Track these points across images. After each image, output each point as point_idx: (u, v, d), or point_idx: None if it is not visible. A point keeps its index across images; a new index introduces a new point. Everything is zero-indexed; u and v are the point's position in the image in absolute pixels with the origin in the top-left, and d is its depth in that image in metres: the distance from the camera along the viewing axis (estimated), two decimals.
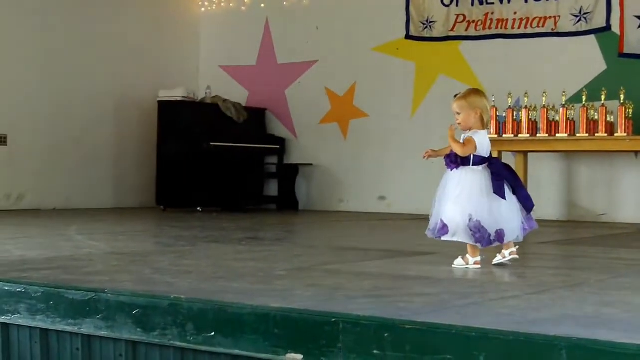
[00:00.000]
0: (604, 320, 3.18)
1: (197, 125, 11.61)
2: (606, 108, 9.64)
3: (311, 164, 12.37)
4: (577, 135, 9.77)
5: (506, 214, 4.87)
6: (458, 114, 4.98)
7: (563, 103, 9.87)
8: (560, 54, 10.62)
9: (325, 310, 3.27)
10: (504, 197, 4.84)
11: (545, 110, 9.90)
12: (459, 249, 5.03)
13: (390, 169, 11.76)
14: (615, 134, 9.61)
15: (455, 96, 5.05)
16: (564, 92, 9.94)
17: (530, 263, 5.43)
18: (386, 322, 3.07)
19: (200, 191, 11.49)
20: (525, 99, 10.00)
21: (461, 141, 4.91)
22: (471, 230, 4.82)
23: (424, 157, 5.10)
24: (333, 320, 3.15)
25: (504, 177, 4.90)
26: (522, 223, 4.93)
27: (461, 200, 4.85)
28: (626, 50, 10.28)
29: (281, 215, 11.09)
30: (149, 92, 12.14)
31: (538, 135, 9.91)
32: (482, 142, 4.92)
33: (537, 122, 9.94)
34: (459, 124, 4.98)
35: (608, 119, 9.65)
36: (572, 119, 9.84)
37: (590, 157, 10.54)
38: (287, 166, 12.48)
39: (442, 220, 4.87)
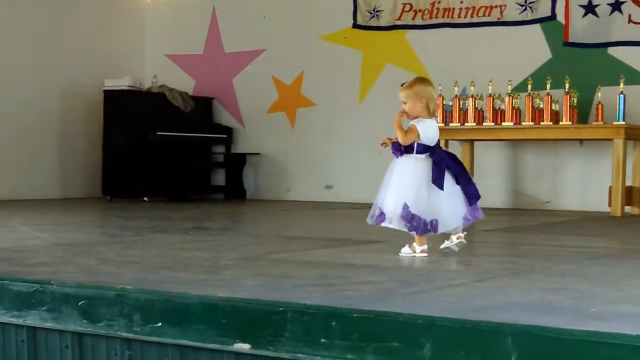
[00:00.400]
0: (549, 307, 3.21)
1: (143, 115, 11.54)
2: (551, 97, 9.73)
3: (258, 153, 12.35)
4: (523, 123, 9.85)
5: (445, 204, 4.88)
6: (404, 103, 4.99)
7: (509, 92, 9.95)
8: (506, 43, 10.70)
9: (273, 299, 3.26)
10: (441, 188, 4.84)
11: (491, 99, 9.98)
12: (406, 237, 5.05)
13: (338, 158, 11.78)
14: (560, 123, 9.70)
15: (402, 85, 5.07)
16: (509, 81, 10.01)
17: (476, 251, 5.47)
18: (333, 310, 3.08)
19: (146, 181, 11.42)
20: (472, 88, 10.07)
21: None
22: (403, 218, 4.84)
23: (382, 145, 5.10)
24: (280, 309, 3.15)
25: (448, 167, 4.91)
26: (466, 213, 4.96)
27: (399, 188, 4.88)
28: (571, 40, 10.39)
29: (228, 205, 11.06)
30: (95, 82, 12.03)
31: (484, 124, 9.99)
32: (427, 131, 4.93)
33: (483, 111, 10.02)
34: (406, 113, 4.99)
35: (553, 107, 9.75)
36: (518, 107, 9.92)
37: (536, 146, 10.64)
38: (235, 155, 12.44)
39: (379, 207, 4.91)
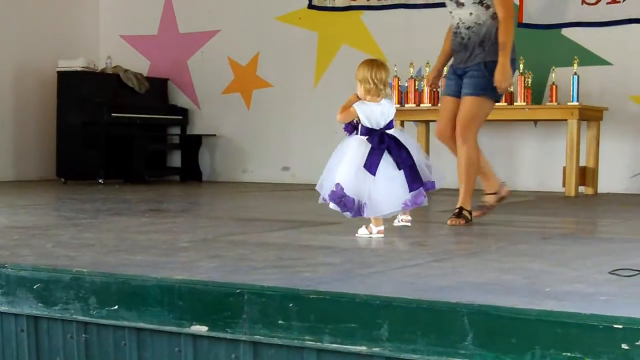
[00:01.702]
0: (504, 287, 3.24)
1: (97, 96, 11.45)
2: None
3: (214, 135, 12.31)
4: None
5: (381, 189, 4.89)
6: None
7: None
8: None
9: (230, 281, 3.27)
10: (372, 173, 4.85)
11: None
12: (363, 219, 5.06)
13: (294, 139, 11.77)
14: (515, 103, 9.77)
15: None
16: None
17: (432, 231, 5.51)
18: (291, 292, 3.09)
19: (101, 163, 11.34)
20: (427, 69, 10.09)
21: None
22: (334, 200, 4.87)
23: None
24: (237, 291, 3.15)
25: (390, 152, 4.92)
26: (406, 199, 4.97)
27: (338, 168, 4.92)
28: (525, 20, 10.44)
29: (184, 187, 11.03)
30: (48, 63, 11.90)
31: (439, 104, 10.00)
32: (368, 114, 4.95)
33: (438, 92, 10.04)
34: (356, 94, 5.06)
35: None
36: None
37: (490, 126, 10.68)
38: (190, 137, 12.39)
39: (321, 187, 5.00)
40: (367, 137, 4.93)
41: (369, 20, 11.28)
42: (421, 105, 10.11)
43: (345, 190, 4.84)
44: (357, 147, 4.93)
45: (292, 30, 11.77)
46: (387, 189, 4.90)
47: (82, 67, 11.65)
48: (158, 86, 12.46)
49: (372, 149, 4.89)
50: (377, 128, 4.95)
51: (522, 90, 9.67)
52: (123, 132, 11.60)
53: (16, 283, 3.59)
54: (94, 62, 12.08)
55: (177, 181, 12.29)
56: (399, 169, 4.94)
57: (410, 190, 4.96)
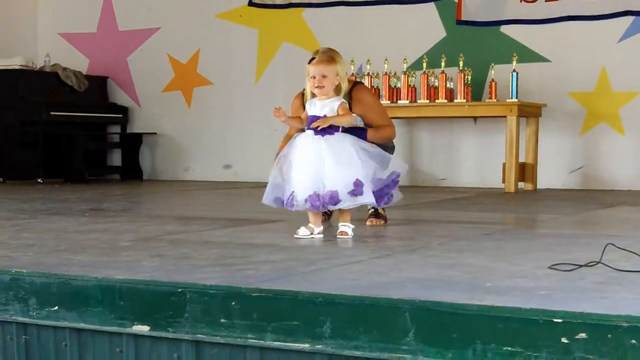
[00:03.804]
0: (445, 282, 3.27)
1: (36, 95, 11.32)
2: (446, 75, 9.85)
3: (155, 133, 12.23)
4: (418, 101, 9.95)
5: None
6: (324, 77, 4.94)
7: (404, 70, 10.04)
8: (401, 21, 10.78)
9: (172, 280, 3.25)
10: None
11: (387, 77, 10.05)
12: (302, 215, 5.06)
13: (235, 137, 11.74)
14: (455, 100, 9.84)
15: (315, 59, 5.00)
16: (405, 59, 10.10)
17: (374, 228, 5.52)
18: (233, 290, 3.08)
19: (40, 162, 11.21)
20: (368, 66, 10.13)
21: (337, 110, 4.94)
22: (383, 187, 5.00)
23: (278, 116, 5.00)
24: (179, 290, 3.14)
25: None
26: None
27: (359, 162, 4.86)
28: (464, 18, 10.52)
29: (125, 186, 10.95)
30: None
31: (380, 101, 10.05)
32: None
33: (379, 89, 10.09)
34: (322, 87, 4.94)
35: (448, 85, 9.87)
36: (414, 85, 10.02)
37: (431, 123, 10.77)
38: (131, 135, 12.31)
39: (357, 181, 4.81)
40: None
41: (310, 17, 11.29)
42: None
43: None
44: (347, 141, 4.93)
45: (232, 28, 11.74)
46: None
47: (20, 65, 11.52)
48: (97, 84, 12.36)
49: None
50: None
51: (462, 88, 9.74)
52: (62, 131, 11.48)
53: None
54: (32, 60, 11.95)
55: (117, 180, 12.20)
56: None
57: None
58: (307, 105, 5.03)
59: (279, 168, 4.90)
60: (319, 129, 4.84)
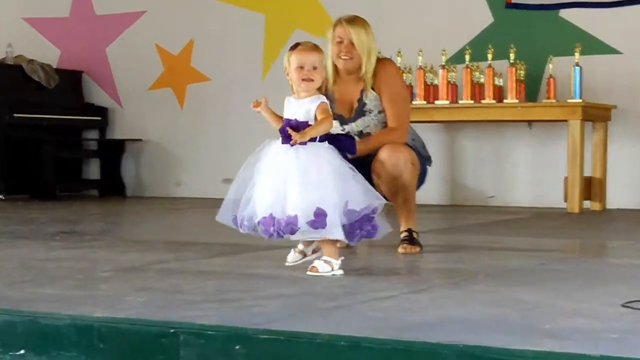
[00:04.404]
0: (494, 323, 3.26)
1: None
2: (494, 69, 9.84)
3: (140, 140, 12.27)
4: (460, 102, 9.95)
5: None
6: (315, 69, 4.80)
7: (443, 63, 10.03)
8: (438, 5, 10.78)
9: (161, 319, 3.26)
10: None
11: (422, 72, 10.04)
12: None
13: (237, 145, 11.73)
14: (505, 100, 9.82)
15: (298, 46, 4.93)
16: (443, 50, 10.10)
17: (407, 257, 5.52)
18: (236, 331, 3.09)
19: (2, 174, 11.26)
20: (399, 58, 10.13)
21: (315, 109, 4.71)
22: (355, 221, 4.61)
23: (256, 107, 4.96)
24: (171, 331, 3.14)
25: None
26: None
27: (331, 184, 4.59)
28: (515, 0, 10.51)
29: (104, 203, 10.98)
30: None
31: (414, 102, 10.05)
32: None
33: (412, 87, 10.08)
34: (311, 80, 4.78)
35: (496, 82, 9.85)
36: (454, 82, 10.01)
37: (476, 129, 10.75)
38: (111, 142, 12.34)
39: (319, 209, 4.52)
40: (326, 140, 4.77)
41: (327, 1, 11.30)
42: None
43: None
44: (326, 154, 4.78)
45: (234, 12, 11.76)
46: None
47: None
48: (70, 80, 12.40)
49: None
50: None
51: (514, 85, 9.73)
52: (28, 136, 11.52)
53: None
54: None
55: (95, 196, 12.23)
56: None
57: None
58: (285, 104, 4.89)
59: (243, 178, 4.81)
60: (292, 144, 4.63)
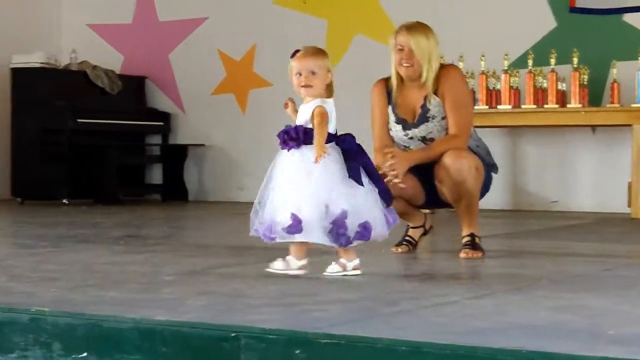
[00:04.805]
0: (558, 329, 3.23)
1: (60, 98, 11.46)
2: (557, 74, 9.78)
3: (203, 145, 12.32)
4: (523, 106, 9.89)
5: (367, 203, 4.66)
6: (313, 73, 4.83)
7: (505, 68, 9.99)
8: (500, 8, 10.73)
9: (223, 322, 3.26)
10: (361, 183, 4.63)
11: (485, 77, 10.01)
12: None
13: None
14: (568, 105, 9.76)
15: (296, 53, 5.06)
16: (506, 55, 10.05)
17: (469, 262, 5.49)
18: (297, 335, 3.08)
19: (65, 179, 11.34)
20: (461, 63, 10.08)
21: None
22: (333, 225, 4.56)
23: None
24: (232, 334, 3.14)
25: (356, 158, 4.72)
26: (385, 215, 4.72)
27: (312, 188, 4.60)
28: (578, 4, 10.44)
29: (167, 208, 11.03)
30: (0, 58, 11.91)
31: (476, 107, 10.01)
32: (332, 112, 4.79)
33: (474, 92, 10.04)
34: (309, 86, 4.80)
35: (559, 87, 9.80)
36: (517, 87, 9.96)
37: (539, 134, 10.69)
38: (174, 147, 12.40)
39: (293, 215, 4.55)
40: (331, 142, 4.73)
41: (388, 5, 11.28)
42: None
43: (344, 212, 4.66)
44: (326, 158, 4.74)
45: (295, 18, 11.78)
46: (372, 201, 4.70)
47: (41, 62, 11.67)
48: (133, 86, 12.48)
49: (346, 153, 4.73)
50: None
51: (577, 90, 9.66)
52: (91, 142, 11.61)
53: None
54: (55, 56, 12.10)
55: (157, 201, 12.29)
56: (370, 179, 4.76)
57: (387, 206, 4.73)
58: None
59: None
60: (316, 161, 4.60)
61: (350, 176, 4.62)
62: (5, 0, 12.37)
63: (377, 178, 4.75)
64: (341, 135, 4.74)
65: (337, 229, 4.55)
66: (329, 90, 4.84)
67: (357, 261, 4.70)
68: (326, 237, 4.56)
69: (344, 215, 4.55)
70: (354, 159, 4.68)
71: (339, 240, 4.58)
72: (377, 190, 4.69)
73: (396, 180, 5.34)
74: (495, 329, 3.21)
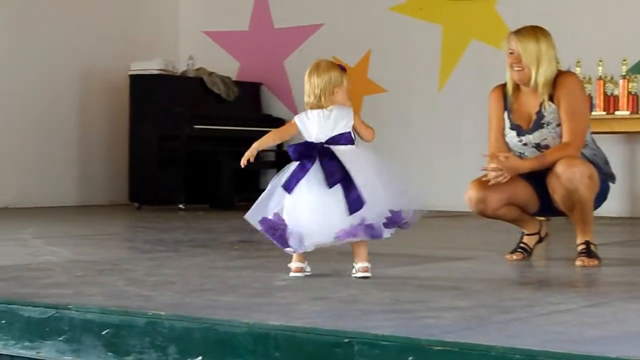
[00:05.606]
0: None
1: (177, 104, 11.59)
2: None
3: None
4: None
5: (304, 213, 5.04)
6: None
7: (623, 73, 9.86)
8: (619, 14, 10.59)
9: (337, 328, 3.27)
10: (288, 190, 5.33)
11: (602, 82, 9.89)
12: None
13: (415, 156, 11.72)
14: None
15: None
16: (624, 59, 9.92)
17: (586, 270, 5.42)
18: (411, 342, 3.07)
19: (182, 185, 11.46)
20: (577, 69, 9.98)
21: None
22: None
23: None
24: (346, 340, 3.15)
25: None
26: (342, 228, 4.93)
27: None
28: None
29: None
30: (119, 65, 12.08)
31: (593, 112, 9.89)
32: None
33: (592, 97, 9.92)
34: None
35: None
36: (635, 92, 9.83)
37: (610, 140, 10.49)
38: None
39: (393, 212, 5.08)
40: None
41: (504, 10, 11.21)
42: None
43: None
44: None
45: (410, 23, 11.76)
46: (314, 212, 4.87)
47: (159, 69, 11.82)
48: (249, 92, 12.57)
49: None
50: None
51: None
52: (207, 148, 11.72)
53: (82, 328, 3.64)
54: (172, 63, 12.25)
55: None
56: (329, 185, 4.89)
57: (350, 213, 4.86)
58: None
59: None
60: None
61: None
62: (123, 9, 12.56)
63: (335, 181, 5.04)
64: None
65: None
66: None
67: (300, 265, 5.00)
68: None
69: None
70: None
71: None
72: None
73: (498, 180, 5.40)
74: (612, 338, 3.17)
